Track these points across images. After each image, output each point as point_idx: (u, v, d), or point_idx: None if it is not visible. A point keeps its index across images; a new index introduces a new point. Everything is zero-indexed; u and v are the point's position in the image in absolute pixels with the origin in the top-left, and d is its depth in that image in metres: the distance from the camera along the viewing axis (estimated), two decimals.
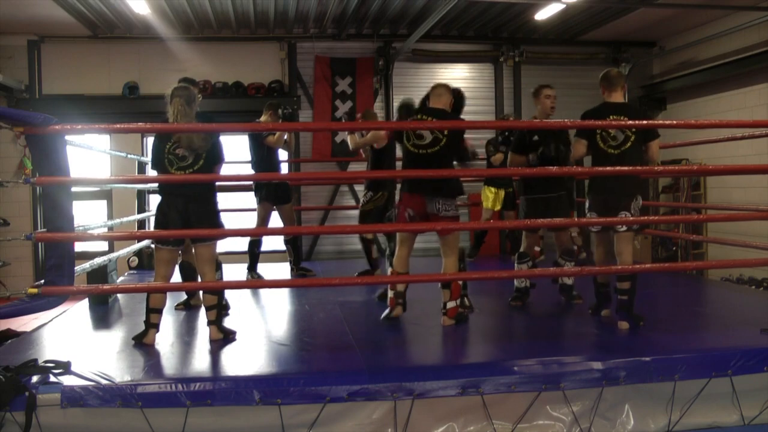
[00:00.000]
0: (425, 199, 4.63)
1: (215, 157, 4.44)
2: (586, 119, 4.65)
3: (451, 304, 4.69)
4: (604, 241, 4.76)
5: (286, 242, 7.15)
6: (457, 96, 4.97)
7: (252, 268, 6.87)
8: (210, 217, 4.37)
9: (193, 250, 4.62)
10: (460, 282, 4.79)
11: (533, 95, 5.45)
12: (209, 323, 4.46)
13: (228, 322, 4.62)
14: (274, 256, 9.44)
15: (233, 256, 8.03)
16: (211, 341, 4.39)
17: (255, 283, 6.42)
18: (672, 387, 3.69)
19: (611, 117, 4.56)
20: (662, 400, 3.71)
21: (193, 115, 4.35)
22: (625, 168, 4.41)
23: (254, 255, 6.85)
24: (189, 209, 4.29)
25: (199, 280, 4.63)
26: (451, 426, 3.57)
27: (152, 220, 4.98)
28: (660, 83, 10.72)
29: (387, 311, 4.78)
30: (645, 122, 4.54)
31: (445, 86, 4.92)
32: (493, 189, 7.90)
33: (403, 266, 4.83)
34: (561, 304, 5.45)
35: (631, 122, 4.45)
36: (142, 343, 4.32)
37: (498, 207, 7.97)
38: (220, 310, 4.47)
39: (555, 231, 5.54)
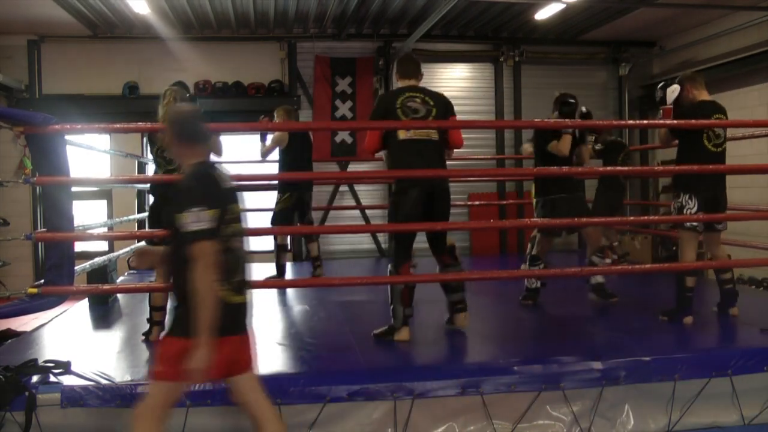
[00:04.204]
0: None
1: None
2: (691, 116, 4.67)
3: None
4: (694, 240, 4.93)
5: None
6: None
7: None
8: None
9: None
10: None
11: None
12: None
13: None
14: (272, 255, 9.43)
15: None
16: None
17: (253, 283, 6.41)
18: (672, 387, 3.69)
19: (715, 116, 4.67)
20: (662, 400, 3.71)
21: None
22: (626, 168, 4.41)
23: None
24: None
25: None
26: (451, 426, 3.57)
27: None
28: (660, 83, 10.68)
29: None
30: (654, 122, 4.55)
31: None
32: None
33: None
34: (561, 304, 5.45)
35: (635, 122, 4.46)
36: (149, 340, 4.39)
37: None
38: None
39: (575, 231, 5.53)
